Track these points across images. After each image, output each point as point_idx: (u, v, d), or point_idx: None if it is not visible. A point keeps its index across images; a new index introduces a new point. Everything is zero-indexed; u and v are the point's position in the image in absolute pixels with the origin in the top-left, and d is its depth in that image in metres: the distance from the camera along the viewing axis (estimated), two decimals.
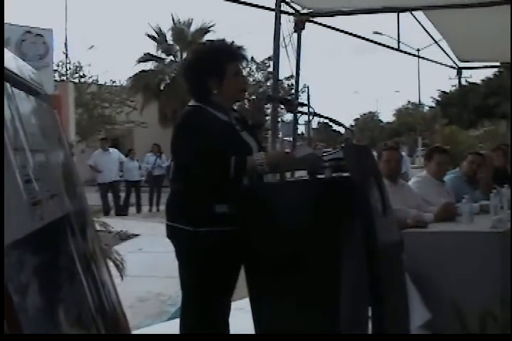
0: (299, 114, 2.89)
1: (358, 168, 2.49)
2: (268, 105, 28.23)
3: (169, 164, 13.36)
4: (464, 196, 4.04)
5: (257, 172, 2.51)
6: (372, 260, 2.36)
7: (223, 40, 2.72)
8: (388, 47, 7.79)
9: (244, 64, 2.72)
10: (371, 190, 2.53)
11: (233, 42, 2.70)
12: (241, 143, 2.65)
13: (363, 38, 7.37)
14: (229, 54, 2.66)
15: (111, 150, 13.06)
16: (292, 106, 2.74)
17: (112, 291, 1.97)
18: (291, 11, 6.13)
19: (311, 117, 2.69)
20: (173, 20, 27.84)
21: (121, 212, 12.80)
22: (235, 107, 2.88)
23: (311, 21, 6.28)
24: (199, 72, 2.64)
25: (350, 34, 7.10)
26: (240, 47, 2.69)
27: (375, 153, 4.87)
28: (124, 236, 8.84)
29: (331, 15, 6.30)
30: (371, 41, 7.69)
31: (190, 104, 2.71)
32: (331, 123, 2.79)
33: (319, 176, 2.51)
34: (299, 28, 6.13)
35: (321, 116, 2.68)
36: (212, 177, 2.48)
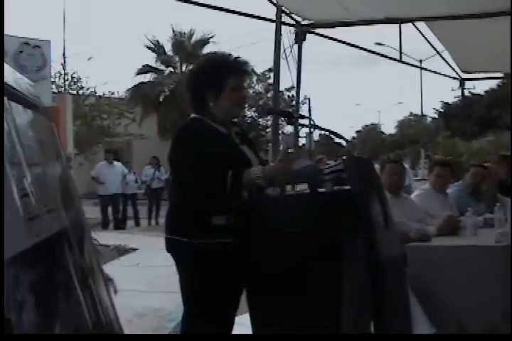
0: (299, 127, 2.91)
1: (359, 180, 2.50)
2: (268, 118, 28.47)
3: (168, 177, 13.38)
4: (467, 209, 4.04)
5: (255, 186, 2.51)
6: (375, 274, 2.36)
7: (228, 53, 2.73)
8: (390, 58, 7.83)
9: (247, 79, 2.73)
10: (373, 203, 2.54)
11: (238, 56, 2.72)
12: (239, 156, 2.66)
13: (365, 49, 7.41)
14: (230, 68, 2.68)
15: (115, 163, 13.11)
16: (293, 118, 2.76)
17: (110, 307, 1.96)
18: (292, 22, 6.17)
19: (312, 129, 2.70)
20: (172, 31, 28.02)
21: (120, 225, 12.81)
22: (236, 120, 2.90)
23: (312, 32, 6.31)
24: (197, 84, 2.68)
25: (352, 45, 7.14)
26: (244, 63, 2.70)
27: (377, 166, 4.90)
28: (123, 251, 8.82)
29: (332, 27, 6.33)
30: (373, 52, 7.73)
31: (191, 116, 2.73)
32: (332, 136, 2.80)
33: (320, 189, 2.51)
34: (299, 39, 6.16)
35: (322, 129, 2.69)
36: (208, 189, 2.50)
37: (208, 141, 2.55)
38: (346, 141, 2.83)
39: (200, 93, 2.67)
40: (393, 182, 4.26)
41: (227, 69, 2.66)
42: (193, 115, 2.73)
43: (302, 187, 2.69)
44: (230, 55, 2.72)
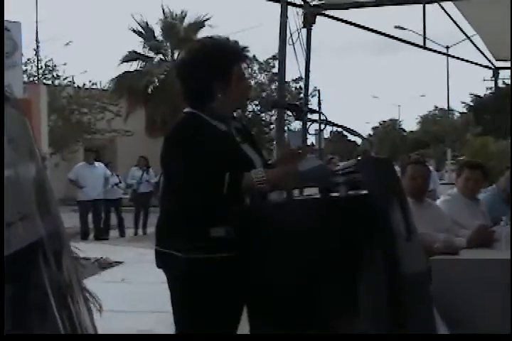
0: (308, 122, 2.91)
1: (377, 184, 2.50)
2: (273, 112, 28.49)
3: (158, 180, 13.39)
4: (501, 218, 4.04)
5: (257, 190, 2.52)
6: (395, 291, 2.36)
7: (227, 38, 2.75)
8: (412, 44, 7.84)
9: (246, 65, 2.76)
10: (393, 210, 2.54)
11: (237, 41, 2.74)
12: (241, 157, 2.67)
13: (383, 34, 7.42)
14: (236, 54, 2.71)
15: (96, 164, 13.11)
16: (301, 113, 2.76)
17: (91, 329, 1.96)
18: (300, 2, 6.18)
19: (322, 126, 2.71)
20: (163, 12, 28.06)
21: (102, 235, 12.82)
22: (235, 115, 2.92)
23: (323, 14, 6.33)
24: (203, 72, 2.66)
25: (369, 29, 7.15)
26: (245, 48, 2.74)
27: (397, 168, 4.90)
28: (105, 264, 8.83)
29: (346, 8, 6.35)
30: (393, 37, 7.74)
31: (185, 110, 2.74)
32: (345, 133, 2.81)
33: (332, 194, 2.52)
34: (308, 22, 6.18)
35: (335, 125, 2.70)
36: (205, 196, 2.51)
37: (206, 140, 2.56)
38: (362, 138, 2.84)
39: (205, 83, 2.67)
40: (416, 187, 4.27)
41: (234, 55, 2.69)
42: (188, 109, 2.73)
43: (311, 192, 2.70)
44: (228, 39, 2.74)
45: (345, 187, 2.48)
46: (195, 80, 2.69)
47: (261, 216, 2.53)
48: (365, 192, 2.49)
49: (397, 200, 2.65)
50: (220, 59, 2.67)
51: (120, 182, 13.64)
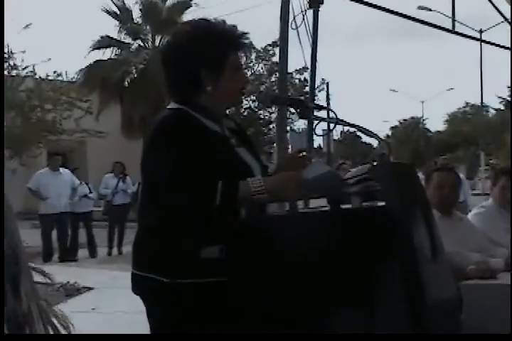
0: (315, 121, 2.92)
1: (397, 195, 2.51)
2: (273, 109, 28.51)
3: (137, 189, 13.39)
4: None
5: (255, 202, 2.53)
6: (418, 321, 2.36)
7: (223, 20, 2.77)
8: (439, 28, 7.87)
9: (244, 55, 2.77)
10: (416, 225, 2.54)
11: (235, 25, 2.76)
12: (236, 163, 2.68)
13: (405, 16, 7.45)
14: (233, 40, 2.72)
15: (62, 170, 13.09)
16: (306, 109, 2.77)
17: None
18: None
19: (331, 125, 2.71)
20: None
21: (68, 256, 12.80)
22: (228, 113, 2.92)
23: None
24: (189, 60, 2.68)
25: (387, 10, 7.18)
26: (244, 34, 2.76)
27: (421, 175, 4.90)
28: (72, 291, 8.82)
29: None
30: (415, 20, 7.77)
31: (169, 106, 2.74)
32: (359, 133, 2.83)
33: (344, 206, 2.52)
34: (315, 2, 6.19)
35: (347, 124, 2.70)
36: (193, 208, 2.51)
37: (196, 142, 2.57)
38: (378, 140, 2.84)
39: (192, 73, 2.68)
40: (443, 197, 4.28)
41: (229, 41, 2.70)
42: (172, 105, 2.74)
43: (318, 203, 2.70)
44: (224, 22, 2.76)
45: (358, 197, 2.48)
46: (180, 68, 2.70)
47: (259, 232, 2.53)
48: (382, 203, 2.50)
49: (420, 214, 2.65)
50: (213, 44, 2.68)
51: (91, 193, 13.63)
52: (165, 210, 2.55)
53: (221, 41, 2.69)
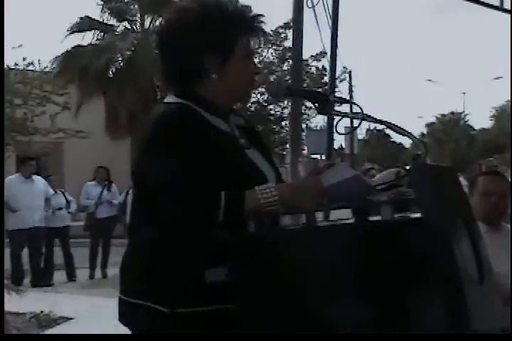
0: (336, 117, 2.93)
1: (435, 204, 2.51)
2: (285, 103, 28.42)
3: (124, 199, 13.41)
4: None
5: (268, 214, 2.55)
6: None
7: (236, 1, 2.78)
8: (484, 4, 7.87)
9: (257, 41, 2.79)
10: (458, 240, 2.55)
11: (248, 6, 2.78)
12: (247, 168, 2.70)
13: None
14: (244, 22, 2.75)
15: (35, 177, 13.10)
16: (327, 103, 2.78)
17: None
18: None
19: (357, 122, 2.72)
20: None
21: (42, 280, 12.82)
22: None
23: None
24: (191, 42, 2.69)
25: None
26: (258, 16, 2.79)
27: (463, 180, 4.89)
28: (47, 322, 8.83)
29: None
30: None
31: (166, 100, 2.76)
32: (388, 132, 2.83)
33: (372, 218, 2.53)
34: None
35: (375, 121, 2.71)
36: (196, 223, 2.51)
37: (202, 144, 2.57)
38: (412, 139, 2.86)
39: (195, 58, 2.69)
40: (491, 207, 4.28)
41: (239, 23, 2.73)
42: (171, 98, 2.75)
43: (341, 215, 2.71)
44: (237, 1, 2.78)
45: (389, 207, 2.49)
46: (181, 53, 2.71)
47: (272, 249, 2.54)
48: (417, 215, 2.51)
49: (463, 227, 2.66)
50: (221, 24, 2.70)
51: (68, 203, 13.63)
52: (163, 225, 2.56)
53: (230, 22, 2.71)
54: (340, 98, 2.82)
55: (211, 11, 2.72)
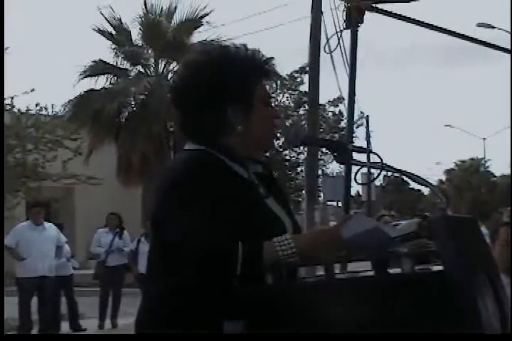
0: (355, 166, 2.92)
1: (458, 257, 2.50)
2: (301, 148, 28.45)
3: (136, 247, 13.39)
4: None
5: (286, 265, 2.53)
6: None
7: (244, 45, 2.80)
8: (503, 49, 7.89)
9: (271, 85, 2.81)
10: (482, 295, 2.52)
11: (258, 50, 2.79)
12: (267, 217, 2.69)
13: (462, 36, 7.48)
14: (256, 68, 2.77)
15: (46, 224, 13.07)
16: (345, 152, 2.78)
17: None
18: None
19: (379, 171, 2.71)
20: (144, 5, 28.34)
21: (50, 330, 12.72)
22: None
23: (375, 9, 6.38)
24: (215, 95, 2.71)
25: (440, 29, 7.21)
26: (270, 60, 2.80)
27: (484, 229, 4.86)
28: None
29: (407, 1, 6.41)
30: (475, 40, 7.80)
31: (187, 147, 2.77)
32: (406, 178, 2.82)
33: (392, 270, 2.51)
34: (354, 21, 6.23)
35: (394, 170, 2.70)
36: (216, 276, 2.51)
37: (224, 192, 2.58)
38: (432, 189, 2.85)
39: (218, 111, 2.71)
40: None
41: (254, 70, 2.75)
42: (192, 145, 2.76)
43: (359, 267, 2.70)
44: (246, 46, 2.79)
45: (410, 260, 2.48)
46: (203, 109, 2.72)
47: (291, 303, 2.51)
48: (439, 267, 2.49)
49: (487, 280, 2.64)
50: (239, 76, 2.72)
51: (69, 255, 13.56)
52: (181, 277, 2.55)
53: (246, 71, 2.73)
54: (359, 147, 2.82)
55: (224, 62, 2.74)
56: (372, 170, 2.96)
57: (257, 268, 2.49)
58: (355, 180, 5.45)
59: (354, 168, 3.00)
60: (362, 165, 2.81)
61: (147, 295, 2.77)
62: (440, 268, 2.49)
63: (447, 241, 2.50)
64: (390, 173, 2.84)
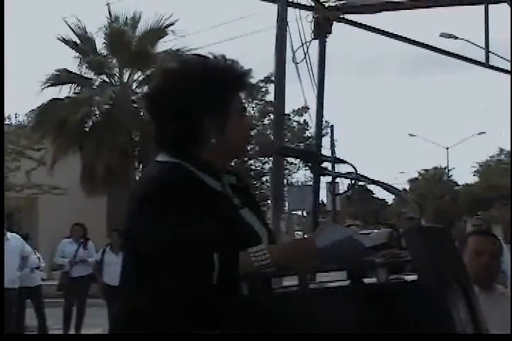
0: (326, 176, 2.94)
1: (431, 267, 2.51)
2: (266, 158, 28.41)
3: (100, 258, 13.29)
4: None
5: (260, 276, 2.54)
6: None
7: (222, 55, 2.78)
8: (468, 60, 7.96)
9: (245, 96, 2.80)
10: (456, 305, 2.53)
11: (235, 61, 2.78)
12: (242, 228, 2.69)
13: (425, 46, 7.53)
14: (234, 80, 2.76)
15: (9, 235, 12.93)
16: (321, 163, 2.79)
17: None
18: (310, 2, 6.28)
19: (352, 181, 2.73)
20: (109, 14, 28.26)
21: None
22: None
23: (343, 20, 6.41)
24: (188, 107, 2.70)
25: (405, 39, 7.26)
26: (248, 72, 2.80)
27: None
28: None
29: (374, 11, 6.45)
30: (438, 50, 7.86)
31: (160, 158, 2.76)
32: (370, 187, 2.85)
33: (366, 280, 2.53)
34: (322, 31, 6.25)
35: (369, 181, 2.71)
36: (190, 287, 2.51)
37: (196, 204, 2.58)
38: (404, 196, 2.87)
39: (193, 123, 2.70)
40: (483, 268, 4.27)
41: (231, 82, 2.75)
42: (164, 157, 2.75)
43: (331, 277, 2.70)
44: (224, 57, 2.78)
45: (385, 270, 2.48)
46: (176, 117, 2.70)
47: (265, 313, 2.51)
48: (411, 277, 2.51)
49: (460, 290, 2.65)
50: (215, 86, 2.71)
51: (40, 263, 13.43)
52: (155, 288, 2.55)
53: (223, 82, 2.73)
54: (338, 159, 2.83)
55: (202, 74, 2.72)
56: (337, 180, 2.98)
57: (232, 279, 2.49)
58: (330, 190, 5.47)
59: (323, 178, 3.01)
60: (337, 175, 2.83)
61: (121, 306, 2.75)
62: (413, 277, 2.50)
63: (422, 251, 2.51)
64: (351, 182, 2.84)
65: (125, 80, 28.05)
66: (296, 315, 2.48)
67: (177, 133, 2.72)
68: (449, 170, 57.73)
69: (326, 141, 32.85)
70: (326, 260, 2.60)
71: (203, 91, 2.70)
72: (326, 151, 29.47)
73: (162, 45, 28.00)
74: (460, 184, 60.31)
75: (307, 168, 2.85)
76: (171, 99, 2.72)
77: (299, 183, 32.62)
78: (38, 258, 13.47)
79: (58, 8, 64.00)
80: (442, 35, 24.92)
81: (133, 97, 27.47)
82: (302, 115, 31.70)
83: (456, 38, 24.89)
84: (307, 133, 31.87)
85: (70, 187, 24.15)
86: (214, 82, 2.71)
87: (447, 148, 51.62)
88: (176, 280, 2.50)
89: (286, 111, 21.92)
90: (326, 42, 6.30)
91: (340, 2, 6.31)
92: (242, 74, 2.79)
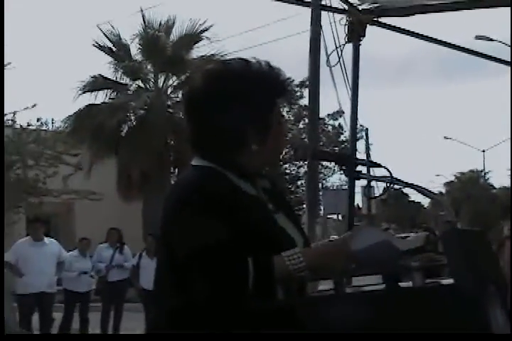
0: (361, 179, 2.93)
1: (468, 270, 2.49)
2: (300, 162, 28.39)
3: (137, 262, 13.34)
4: None
5: (296, 280, 2.54)
6: None
7: (267, 62, 2.74)
8: (503, 61, 7.89)
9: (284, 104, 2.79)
10: (493, 308, 2.52)
11: (278, 68, 2.74)
12: (277, 233, 2.68)
13: (460, 48, 7.49)
14: (278, 88, 2.74)
15: (46, 240, 12.99)
16: (355, 167, 2.78)
17: None
18: (343, 5, 6.25)
19: (388, 184, 2.71)
20: (143, 20, 28.36)
21: None
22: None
23: (377, 23, 6.37)
24: (232, 114, 2.66)
25: (439, 42, 7.22)
26: (288, 79, 2.78)
27: None
28: None
29: (410, 14, 6.41)
30: (473, 53, 7.80)
31: (194, 162, 2.75)
32: (406, 191, 2.84)
33: (402, 284, 2.51)
34: (356, 35, 6.23)
35: (404, 184, 2.70)
36: (227, 293, 2.49)
37: (232, 209, 2.57)
38: (440, 200, 2.84)
39: (238, 130, 2.66)
40: None
41: (276, 90, 2.73)
42: (199, 161, 2.74)
43: (366, 281, 2.69)
44: (269, 64, 2.74)
45: (421, 274, 2.47)
46: (219, 124, 2.66)
47: (301, 318, 2.50)
48: (448, 280, 2.49)
49: (498, 294, 2.63)
50: (261, 94, 2.68)
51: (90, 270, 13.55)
52: (191, 294, 2.54)
53: (268, 90, 2.70)
54: (372, 162, 2.82)
55: (248, 78, 2.69)
56: (373, 183, 2.98)
57: (268, 283, 2.48)
58: (365, 194, 5.45)
59: (358, 182, 3.01)
60: (371, 178, 2.82)
61: (157, 311, 2.75)
62: (449, 281, 2.48)
63: (459, 254, 2.50)
64: (387, 185, 2.83)
65: (160, 85, 28.11)
66: (332, 319, 2.47)
67: (218, 138, 2.68)
68: (485, 173, 57.43)
69: (360, 145, 32.85)
70: (360, 263, 2.59)
71: (248, 99, 2.66)
72: (360, 155, 29.46)
73: (196, 51, 28.09)
74: (497, 187, 59.85)
75: (342, 171, 2.83)
76: (212, 104, 2.67)
77: (334, 187, 32.52)
78: (93, 266, 13.62)
79: (93, 15, 64.31)
80: (477, 37, 24.80)
81: (168, 102, 27.61)
82: (337, 119, 31.70)
83: (491, 39, 24.76)
84: (342, 137, 31.86)
85: (106, 193, 24.22)
86: (260, 87, 2.68)
87: (483, 151, 51.25)
88: (212, 284, 2.49)
89: (321, 115, 21.93)
90: (359, 45, 6.26)
91: (374, 5, 6.26)
92: (284, 81, 2.75)
